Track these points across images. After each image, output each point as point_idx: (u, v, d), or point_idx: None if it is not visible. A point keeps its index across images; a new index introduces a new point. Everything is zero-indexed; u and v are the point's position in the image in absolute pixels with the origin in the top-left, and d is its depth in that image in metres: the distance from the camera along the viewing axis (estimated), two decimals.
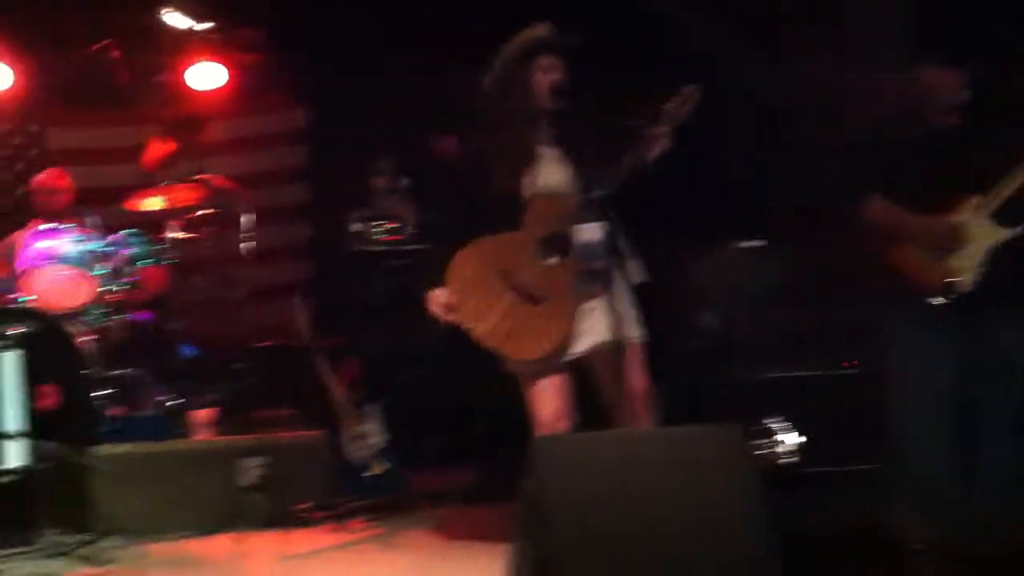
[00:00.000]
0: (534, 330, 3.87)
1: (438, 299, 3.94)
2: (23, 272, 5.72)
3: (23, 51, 6.77)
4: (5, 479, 4.36)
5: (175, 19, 6.41)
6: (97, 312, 5.77)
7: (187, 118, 6.33)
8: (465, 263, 3.92)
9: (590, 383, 4.00)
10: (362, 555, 4.71)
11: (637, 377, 3.92)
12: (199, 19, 6.45)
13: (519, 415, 4.03)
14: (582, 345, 3.89)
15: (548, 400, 3.94)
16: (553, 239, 3.90)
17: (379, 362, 5.88)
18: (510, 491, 3.19)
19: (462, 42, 5.35)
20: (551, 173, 3.98)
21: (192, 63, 6.90)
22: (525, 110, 3.99)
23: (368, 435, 5.34)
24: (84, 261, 5.72)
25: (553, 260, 3.90)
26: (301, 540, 4.86)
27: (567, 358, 3.91)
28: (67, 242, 5.74)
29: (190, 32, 6.52)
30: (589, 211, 3.84)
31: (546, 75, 3.96)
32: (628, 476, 3.12)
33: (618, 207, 3.82)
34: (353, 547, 4.84)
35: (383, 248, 6.70)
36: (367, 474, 5.31)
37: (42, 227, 5.85)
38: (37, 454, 4.65)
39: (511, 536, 3.30)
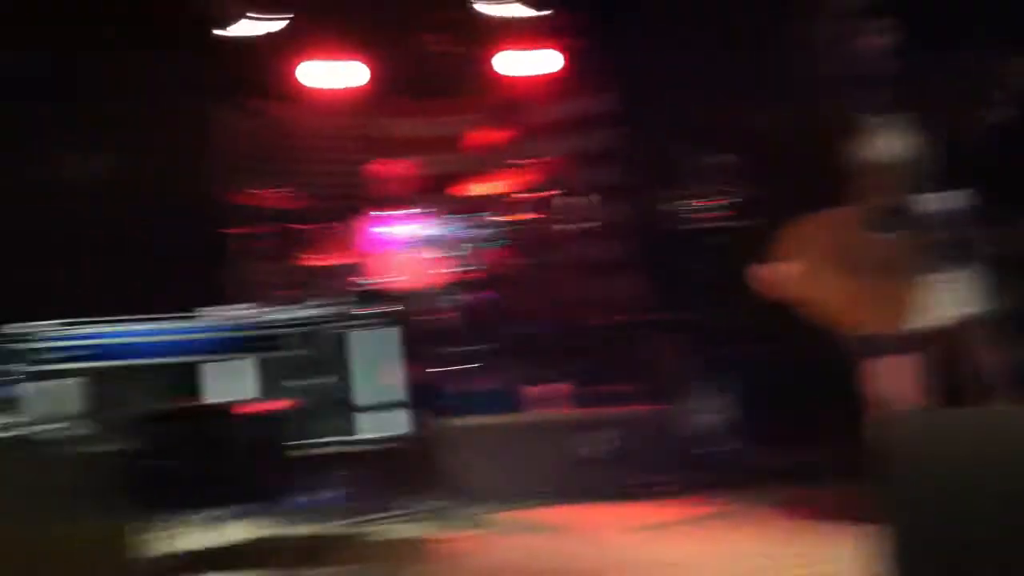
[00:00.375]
0: (874, 305, 3.69)
1: (769, 274, 3.81)
2: (371, 256, 6.03)
3: (358, 48, 7.13)
4: (379, 447, 4.58)
5: (487, 8, 6.52)
6: (445, 292, 6.00)
7: (514, 103, 6.46)
8: (798, 238, 3.79)
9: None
10: (708, 531, 4.62)
11: (989, 353, 3.64)
12: (533, 6, 6.54)
13: (858, 391, 3.82)
14: (928, 319, 3.66)
15: (892, 376, 3.74)
16: (890, 211, 3.70)
17: (717, 339, 5.77)
18: (854, 471, 3.01)
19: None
20: (882, 142, 3.76)
21: (517, 49, 7.02)
22: (850, 76, 3.78)
23: (711, 411, 5.25)
24: (429, 245, 5.97)
25: (890, 232, 3.69)
26: (647, 513, 4.83)
27: (911, 333, 3.68)
28: (412, 227, 6.01)
29: (517, 20, 6.64)
30: (931, 180, 3.61)
31: (872, 38, 3.73)
32: (991, 457, 2.86)
33: (966, 174, 3.57)
34: (699, 523, 4.75)
35: (705, 226, 6.57)
36: (711, 450, 5.21)
37: (386, 213, 6.14)
38: (405, 425, 4.87)
39: (870, 519, 3.10)
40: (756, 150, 5.99)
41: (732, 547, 4.33)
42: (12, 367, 4.06)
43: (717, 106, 6.63)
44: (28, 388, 4.26)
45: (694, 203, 6.51)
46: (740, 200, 6.36)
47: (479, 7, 6.55)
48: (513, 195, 6.33)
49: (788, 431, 5.95)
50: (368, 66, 7.17)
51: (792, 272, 3.79)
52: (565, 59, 7.30)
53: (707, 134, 6.65)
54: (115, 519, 3.06)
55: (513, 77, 7.13)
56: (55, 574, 2.95)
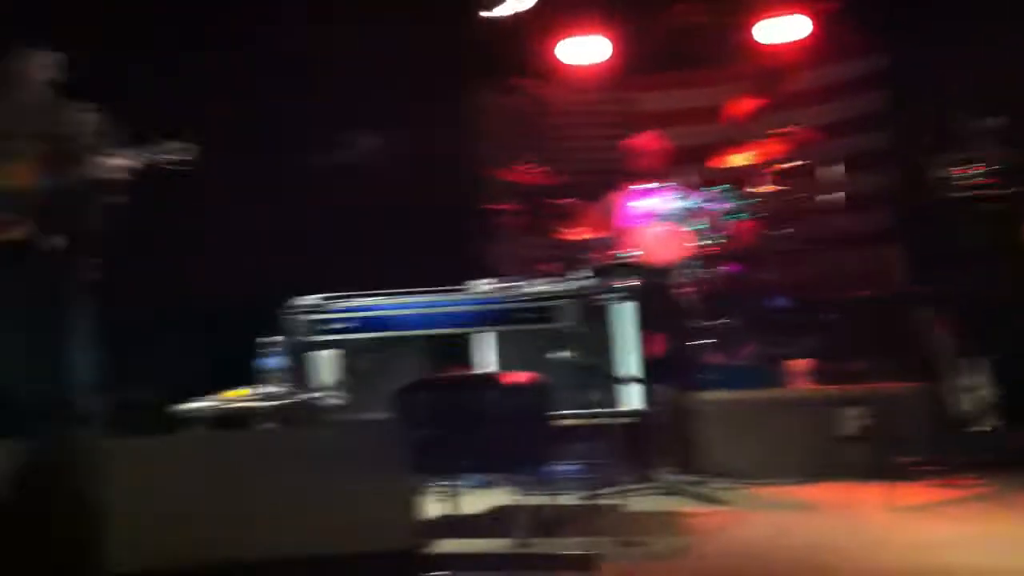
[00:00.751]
0: None
1: None
2: (623, 229, 6.13)
3: (615, 21, 7.20)
4: (625, 420, 4.69)
5: None
6: (693, 265, 6.03)
7: (769, 71, 6.37)
8: None
9: None
10: (968, 512, 4.50)
11: None
12: None
13: None
14: None
15: None
16: None
17: (982, 313, 5.55)
18: None
19: None
20: None
21: (772, 16, 6.92)
22: None
23: (975, 389, 5.07)
24: (680, 217, 6.00)
25: None
26: (905, 493, 4.72)
27: None
28: (663, 200, 6.05)
29: None
30: None
31: None
32: None
33: None
34: (958, 504, 4.64)
35: (973, 193, 6.29)
36: (973, 430, 5.04)
37: (639, 187, 6.22)
38: (651, 398, 4.97)
39: None
40: None
41: (992, 528, 4.22)
42: (298, 337, 4.39)
43: (989, 67, 6.35)
44: (311, 357, 4.61)
45: (964, 170, 6.26)
46: (1013, 166, 6.08)
47: None
48: (769, 166, 6.26)
49: None
50: (621, 40, 7.24)
51: None
52: (825, 23, 7.13)
53: (980, 96, 6.37)
54: (396, 483, 3.27)
55: (770, 45, 7.02)
56: (338, 534, 3.22)
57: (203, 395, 4.63)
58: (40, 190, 4.44)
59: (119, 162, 4.30)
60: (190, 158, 4.30)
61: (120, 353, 4.54)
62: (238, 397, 4.52)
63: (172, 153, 4.30)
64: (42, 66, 4.60)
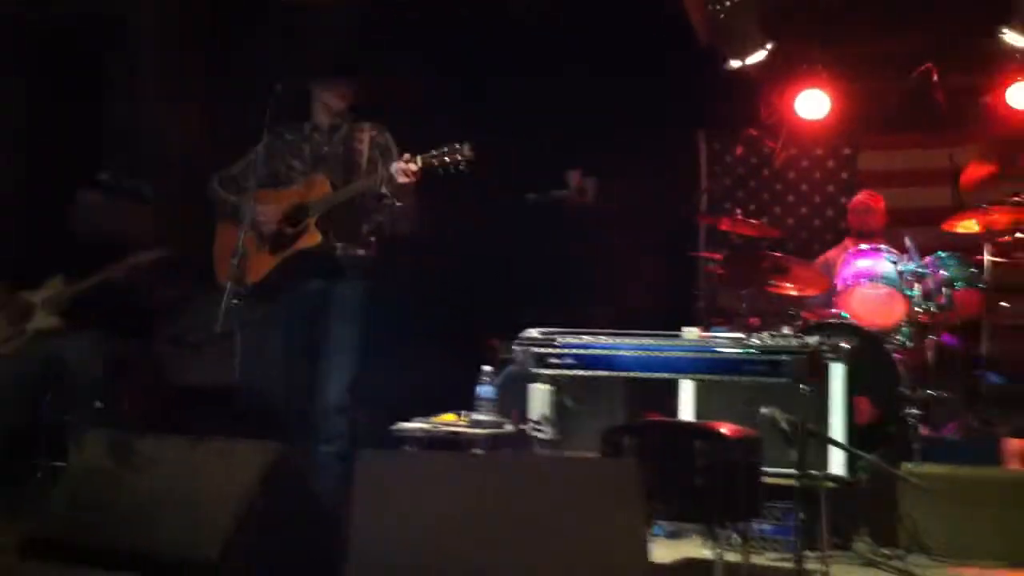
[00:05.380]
0: None
1: None
2: (838, 288, 6.05)
3: (841, 80, 7.15)
4: (829, 484, 4.63)
5: (1014, 39, 6.24)
6: (907, 331, 5.90)
7: (1007, 139, 6.18)
8: None
9: None
10: None
11: None
12: None
13: None
14: None
15: None
16: None
17: None
18: None
19: None
20: None
21: (1013, 83, 6.73)
22: None
23: None
24: (899, 281, 5.87)
25: None
26: None
27: None
28: (883, 262, 5.94)
29: (1019, 51, 6.34)
30: None
31: None
32: None
33: None
34: None
35: None
36: None
37: (861, 247, 6.13)
38: (856, 464, 4.90)
39: None
40: None
41: None
42: (518, 368, 4.52)
43: None
44: (526, 389, 4.73)
45: None
46: None
47: (1008, 37, 6.26)
48: (994, 236, 6.07)
49: None
50: (852, 97, 7.17)
51: None
52: None
53: None
54: (632, 524, 3.33)
55: (1015, 110, 6.82)
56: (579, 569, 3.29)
57: (413, 417, 4.82)
58: (331, 202, 4.70)
59: (409, 167, 4.51)
60: (467, 161, 4.45)
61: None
62: (448, 422, 4.69)
63: (453, 156, 4.46)
64: (340, 94, 4.91)
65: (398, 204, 4.62)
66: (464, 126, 6.19)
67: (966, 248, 6.10)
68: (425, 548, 3.32)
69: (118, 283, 5.32)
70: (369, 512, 3.38)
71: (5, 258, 5.60)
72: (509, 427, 4.62)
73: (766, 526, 5.00)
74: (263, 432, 4.18)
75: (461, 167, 4.46)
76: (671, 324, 4.94)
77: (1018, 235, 6.03)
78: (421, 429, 4.60)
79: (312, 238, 4.64)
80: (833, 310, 5.99)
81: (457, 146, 4.49)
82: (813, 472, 4.47)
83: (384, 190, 4.61)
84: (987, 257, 5.93)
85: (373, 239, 4.84)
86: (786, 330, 5.14)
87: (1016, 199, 5.94)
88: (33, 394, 5.39)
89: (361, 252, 4.79)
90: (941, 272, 5.92)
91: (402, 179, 4.49)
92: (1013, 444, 5.29)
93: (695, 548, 4.91)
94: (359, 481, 3.40)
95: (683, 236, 7.27)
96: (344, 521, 3.42)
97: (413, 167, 4.48)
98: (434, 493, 3.41)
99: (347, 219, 4.73)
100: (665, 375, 4.44)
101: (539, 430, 4.59)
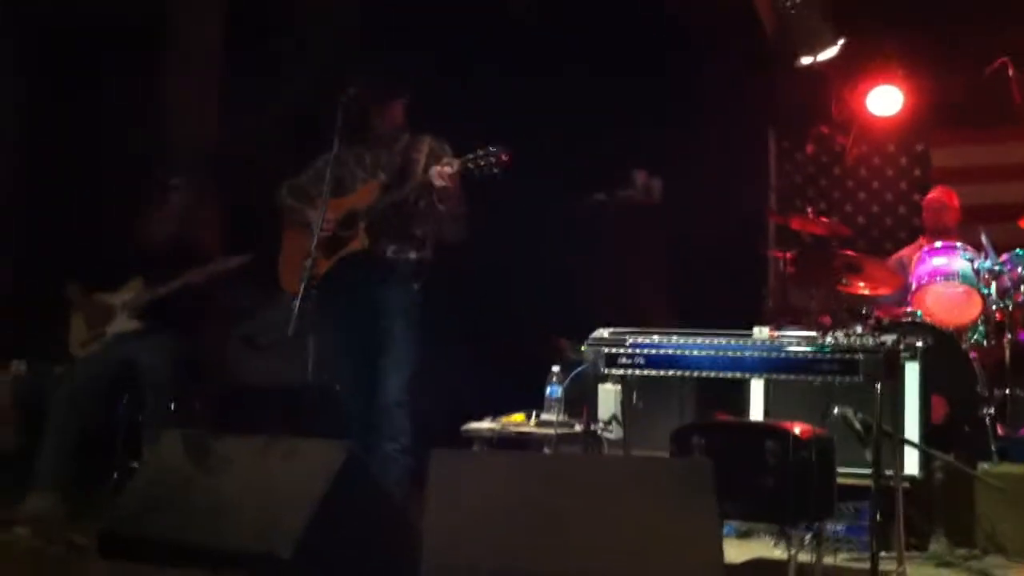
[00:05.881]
0: None
1: None
2: (914, 288, 5.96)
3: (913, 75, 7.05)
4: (903, 484, 4.56)
5: None
6: (983, 330, 5.80)
7: None
8: None
9: None
10: None
11: None
12: None
13: None
14: None
15: None
16: None
17: None
18: None
19: None
20: None
21: None
22: None
23: None
24: (975, 279, 5.77)
25: None
26: None
27: None
28: (959, 259, 5.84)
29: None
30: None
31: None
32: None
33: None
34: None
35: None
36: None
37: (936, 244, 6.02)
38: (930, 464, 4.82)
39: None
40: None
41: None
42: (588, 369, 4.50)
43: None
44: (596, 390, 4.73)
45: None
46: None
47: None
48: None
49: None
50: (925, 93, 7.07)
51: None
52: None
53: None
54: (707, 525, 3.31)
55: None
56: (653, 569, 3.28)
57: (483, 417, 4.84)
58: (379, 207, 4.79)
59: (445, 170, 4.57)
60: (502, 165, 4.49)
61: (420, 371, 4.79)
62: (517, 422, 4.70)
63: (487, 159, 4.51)
64: (393, 109, 4.99)
65: (441, 207, 4.68)
66: (534, 128, 6.26)
67: None
68: (497, 548, 3.34)
69: (196, 287, 5.41)
70: (443, 511, 3.40)
71: (85, 261, 5.72)
72: (578, 427, 4.61)
73: (840, 526, 4.94)
74: (333, 431, 4.23)
75: (496, 170, 4.49)
76: (742, 324, 4.90)
77: None
78: (490, 429, 4.61)
79: (359, 242, 4.73)
80: (907, 309, 5.90)
81: (493, 149, 4.53)
82: (888, 472, 4.41)
83: (428, 195, 4.67)
84: None
85: (427, 243, 4.91)
86: (859, 329, 5.07)
87: None
88: (110, 395, 5.50)
89: (413, 255, 4.87)
90: (1018, 269, 5.80)
91: (439, 182, 4.57)
92: None
93: (766, 548, 4.87)
94: (433, 480, 3.43)
95: (753, 235, 7.21)
96: (413, 519, 3.44)
97: (449, 170, 4.55)
98: (505, 492, 3.43)
99: (396, 223, 4.81)
100: (736, 374, 4.39)
101: (608, 430, 4.58)
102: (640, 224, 6.92)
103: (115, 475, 5.45)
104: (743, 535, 5.13)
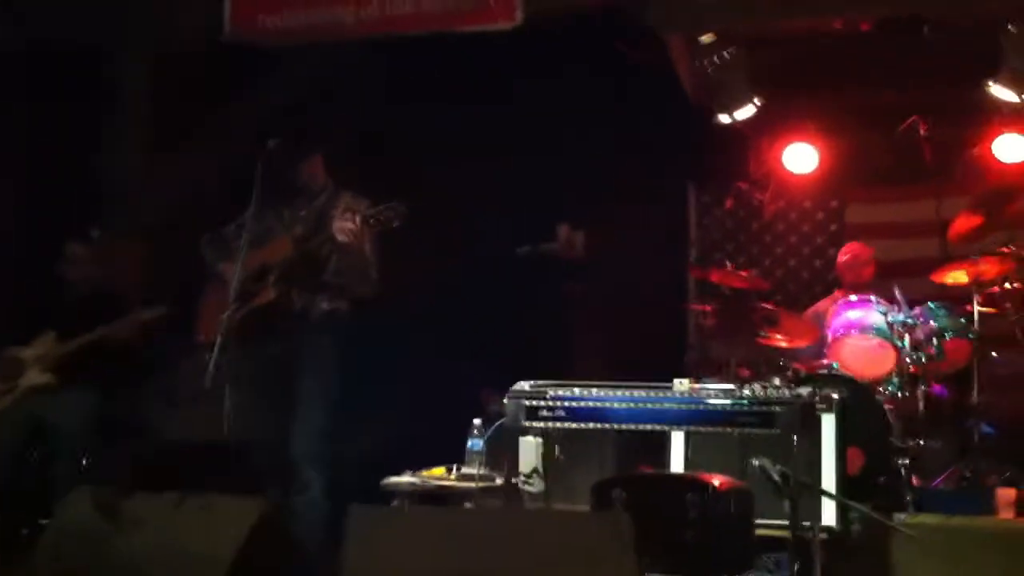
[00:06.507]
0: None
1: None
2: (829, 340, 6.06)
3: (829, 133, 7.22)
4: (820, 535, 4.60)
5: (1000, 92, 6.32)
6: (898, 382, 5.90)
7: (995, 191, 6.22)
8: None
9: None
10: None
11: None
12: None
13: None
14: None
15: None
16: None
17: None
18: None
19: None
20: None
21: (999, 135, 6.80)
22: None
23: None
24: (889, 332, 5.89)
25: None
26: None
27: None
28: (873, 313, 5.96)
29: (1004, 104, 6.41)
30: None
31: None
32: None
33: None
34: None
35: None
36: None
37: (851, 298, 6.15)
38: (848, 515, 4.87)
39: None
40: None
41: None
42: (508, 422, 4.51)
43: None
44: (517, 443, 4.72)
45: None
46: None
47: (994, 90, 6.34)
48: (984, 287, 6.09)
49: None
50: (846, 149, 7.25)
51: None
52: None
53: None
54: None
55: (1002, 163, 6.89)
56: None
57: (403, 471, 4.80)
58: (286, 261, 4.79)
59: (346, 225, 4.60)
60: (400, 218, 4.54)
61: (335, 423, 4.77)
62: (437, 475, 4.66)
63: (386, 214, 4.56)
64: (313, 164, 5.01)
65: (345, 261, 4.71)
66: (456, 180, 6.28)
67: (955, 299, 6.13)
68: None
69: (113, 340, 5.32)
70: (360, 568, 3.35)
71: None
72: (499, 480, 4.59)
73: None
74: (250, 487, 4.16)
75: (395, 224, 4.57)
76: (662, 376, 4.94)
77: (1007, 286, 6.05)
78: (410, 483, 4.58)
79: (266, 295, 4.73)
80: (824, 361, 6.00)
81: (393, 204, 4.58)
82: (806, 524, 4.45)
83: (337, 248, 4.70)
84: (976, 308, 5.95)
85: (340, 295, 4.92)
86: (777, 381, 5.14)
87: (1004, 250, 5.98)
88: (20, 451, 5.36)
89: (324, 306, 4.87)
90: (931, 323, 5.95)
91: (341, 237, 4.60)
92: (1005, 494, 5.26)
93: None
94: (350, 536, 3.39)
95: (673, 289, 7.29)
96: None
97: (349, 225, 4.58)
98: (424, 547, 3.40)
99: (306, 276, 4.81)
100: (656, 426, 4.42)
101: (529, 483, 4.57)
102: (562, 278, 6.95)
103: (24, 532, 5.30)
104: None
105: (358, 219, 4.60)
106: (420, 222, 4.65)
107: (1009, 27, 6.14)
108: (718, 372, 6.18)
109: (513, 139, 6.77)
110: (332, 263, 4.85)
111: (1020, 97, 6.30)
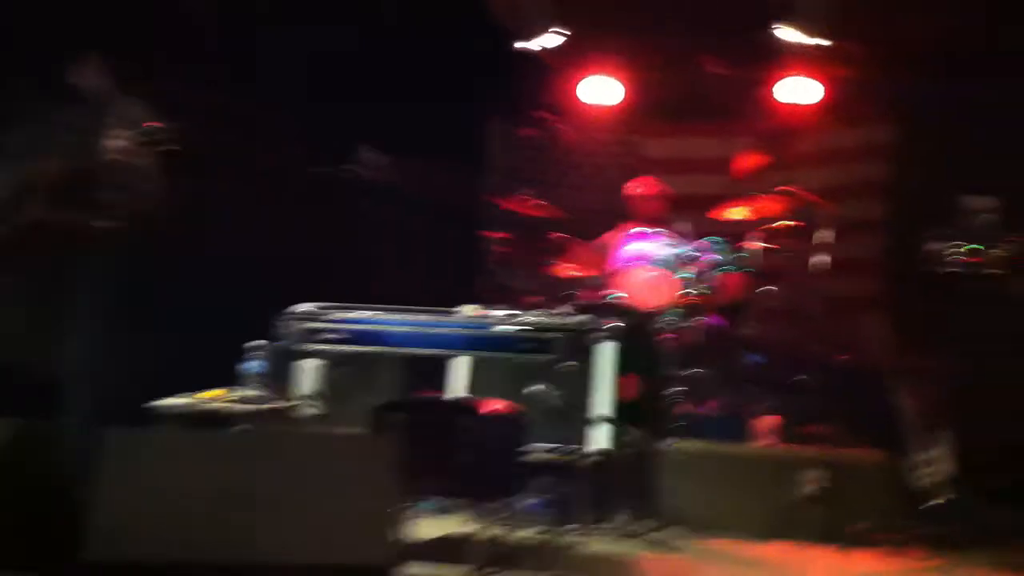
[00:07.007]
0: None
1: None
2: (614, 271, 6.24)
3: (628, 67, 7.35)
4: (592, 460, 4.78)
5: (788, 34, 6.56)
6: (676, 313, 6.14)
7: (778, 131, 6.48)
8: None
9: None
10: None
11: None
12: (811, 35, 6.57)
13: None
14: None
15: None
16: None
17: (956, 387, 5.65)
18: None
19: None
20: None
21: (786, 77, 7.07)
22: None
23: (937, 462, 5.18)
24: (671, 264, 6.11)
25: None
26: (857, 559, 4.82)
27: None
28: (657, 245, 6.16)
29: (791, 47, 6.66)
30: None
31: None
32: None
33: None
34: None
35: (961, 270, 6.39)
36: (932, 503, 5.14)
37: (634, 230, 6.33)
38: (619, 440, 5.07)
39: None
40: None
41: None
42: (286, 344, 4.49)
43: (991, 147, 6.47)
44: (295, 366, 4.70)
45: (960, 247, 6.35)
46: (1013, 247, 6.16)
47: (781, 32, 6.58)
48: (763, 223, 6.36)
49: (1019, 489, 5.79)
50: (638, 85, 7.38)
51: None
52: (840, 89, 7.28)
53: (981, 175, 6.48)
54: (381, 500, 3.35)
55: (785, 104, 7.17)
56: (316, 544, 3.29)
57: (180, 393, 4.71)
58: (63, 175, 4.58)
59: (118, 142, 4.43)
60: (177, 140, 4.41)
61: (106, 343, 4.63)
62: (214, 398, 4.60)
63: (159, 134, 4.41)
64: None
65: (121, 180, 4.56)
66: (252, 99, 6.10)
67: (737, 234, 6.38)
68: (173, 525, 3.27)
69: None
70: (114, 498, 3.28)
71: None
72: (277, 404, 4.57)
73: (534, 501, 5.12)
74: (12, 408, 4.02)
75: (172, 146, 4.44)
76: (457, 303, 4.98)
77: (784, 223, 6.33)
78: (183, 405, 4.50)
79: (33, 212, 4.56)
80: (609, 290, 6.17)
81: (173, 125, 4.47)
82: (576, 447, 4.60)
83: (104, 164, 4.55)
84: (754, 243, 6.21)
85: (118, 213, 4.74)
86: (564, 309, 5.27)
87: (783, 188, 6.25)
88: None
89: (98, 224, 4.69)
90: (711, 256, 6.18)
91: (113, 154, 4.45)
92: (766, 421, 5.57)
93: (463, 524, 4.98)
94: (106, 461, 3.31)
95: (469, 215, 7.34)
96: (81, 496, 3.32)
97: (121, 142, 4.43)
98: (186, 471, 3.36)
99: (77, 193, 4.64)
100: (437, 352, 4.47)
101: (308, 406, 4.57)
102: (362, 200, 6.89)
103: None
104: (444, 511, 5.24)
105: (131, 136, 4.43)
106: (211, 141, 4.52)
107: None
108: (508, 299, 6.28)
109: (314, 60, 6.63)
110: (106, 179, 4.66)
111: (810, 39, 6.57)
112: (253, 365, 4.57)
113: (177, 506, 3.29)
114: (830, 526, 5.01)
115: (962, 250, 6.29)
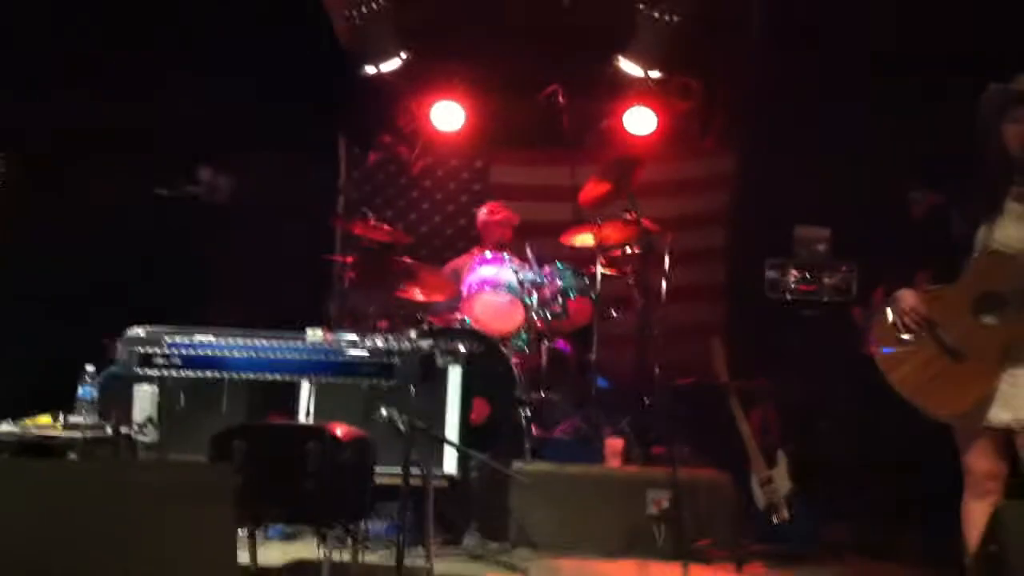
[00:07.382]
0: (950, 387, 3.77)
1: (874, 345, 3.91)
2: (466, 295, 6.25)
3: (476, 94, 7.39)
4: (441, 482, 4.76)
5: (628, 67, 6.73)
6: (525, 337, 6.19)
7: (622, 161, 6.59)
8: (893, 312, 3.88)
9: None
10: None
11: None
12: (649, 67, 6.74)
13: (935, 470, 3.91)
14: (1003, 416, 3.72)
15: (976, 457, 3.82)
16: (993, 298, 3.76)
17: (793, 409, 5.84)
18: (919, 548, 3.02)
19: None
20: (1010, 230, 3.81)
21: (629, 108, 7.22)
22: (996, 161, 3.85)
23: (776, 481, 5.32)
24: (519, 289, 6.15)
25: (989, 319, 3.76)
26: (699, 575, 4.92)
27: (986, 424, 3.74)
28: (506, 270, 6.20)
29: (635, 79, 6.83)
30: None
31: (1017, 126, 3.81)
32: None
33: None
34: None
35: (798, 298, 6.62)
36: (772, 520, 5.28)
37: (486, 255, 6.35)
38: (468, 463, 5.06)
39: None
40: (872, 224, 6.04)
41: None
42: (120, 369, 4.32)
43: (831, 178, 6.71)
44: (131, 391, 4.53)
45: (791, 274, 6.57)
46: (845, 275, 6.40)
47: (623, 64, 6.74)
48: (606, 250, 6.45)
49: (861, 506, 6.00)
50: (486, 112, 7.43)
51: (878, 340, 3.89)
52: (680, 121, 7.48)
53: (819, 206, 6.72)
54: (216, 528, 3.25)
55: (630, 135, 7.32)
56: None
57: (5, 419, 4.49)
58: None
59: None
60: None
61: None
62: (41, 425, 4.40)
63: None
64: None
65: None
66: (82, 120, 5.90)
67: (582, 260, 6.46)
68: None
69: None
70: None
71: None
72: (110, 431, 4.39)
73: (380, 525, 5.08)
74: None
75: None
76: (303, 326, 4.89)
77: (627, 250, 6.45)
78: (9, 432, 4.28)
79: None
80: (458, 315, 6.18)
81: None
82: (423, 471, 4.57)
83: None
84: (599, 269, 6.30)
85: None
86: (413, 334, 5.23)
87: (627, 216, 6.36)
88: None
89: None
90: (557, 282, 6.26)
91: None
92: (612, 444, 5.64)
93: (309, 549, 4.89)
94: None
95: (318, 239, 7.25)
96: None
97: None
98: (16, 505, 3.18)
99: None
100: (279, 376, 4.37)
101: (143, 433, 4.41)
102: (205, 222, 6.73)
103: None
104: (289, 537, 5.14)
105: None
106: (40, 163, 4.33)
107: (640, 6, 6.54)
108: (358, 324, 6.23)
109: (154, 79, 6.46)
110: None
111: (645, 73, 6.75)
112: (86, 390, 4.39)
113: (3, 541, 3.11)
114: (675, 544, 5.10)
115: (795, 277, 6.53)
